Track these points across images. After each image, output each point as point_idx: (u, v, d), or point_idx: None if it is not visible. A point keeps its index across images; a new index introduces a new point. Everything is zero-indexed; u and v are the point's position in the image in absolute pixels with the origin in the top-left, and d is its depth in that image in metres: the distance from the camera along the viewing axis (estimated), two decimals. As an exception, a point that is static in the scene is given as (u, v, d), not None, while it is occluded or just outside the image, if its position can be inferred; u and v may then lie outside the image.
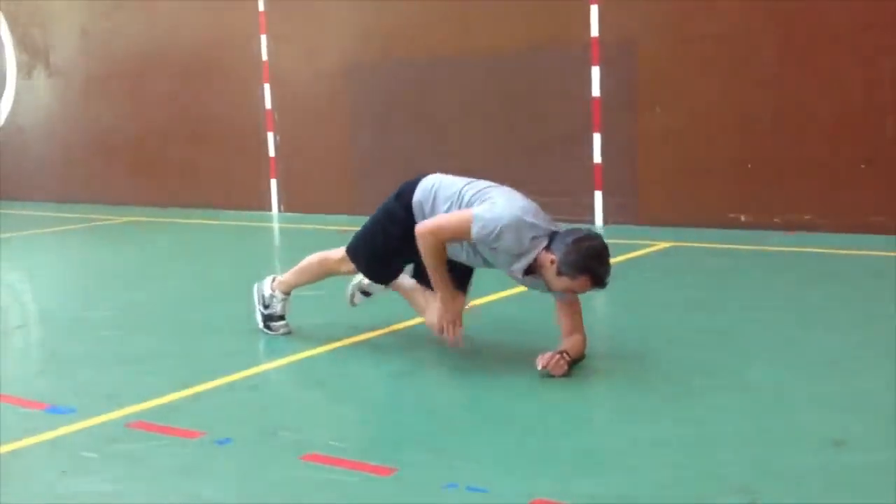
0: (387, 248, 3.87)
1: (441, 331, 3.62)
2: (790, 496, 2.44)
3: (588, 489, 2.53)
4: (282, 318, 4.23)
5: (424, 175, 3.86)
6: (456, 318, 3.62)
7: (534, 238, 3.45)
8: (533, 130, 7.57)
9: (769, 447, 2.77)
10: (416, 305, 3.89)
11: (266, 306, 4.23)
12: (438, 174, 3.85)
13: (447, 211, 3.65)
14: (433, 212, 3.71)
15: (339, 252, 4.04)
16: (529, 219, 3.47)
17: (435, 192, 3.73)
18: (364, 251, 3.94)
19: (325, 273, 4.17)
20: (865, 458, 2.66)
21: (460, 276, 3.94)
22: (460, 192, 3.67)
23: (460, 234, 3.50)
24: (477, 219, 3.45)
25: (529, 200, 3.64)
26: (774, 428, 2.92)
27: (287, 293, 4.22)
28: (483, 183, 3.74)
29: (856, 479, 2.53)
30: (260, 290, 4.26)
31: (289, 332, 4.22)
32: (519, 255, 3.47)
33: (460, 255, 3.73)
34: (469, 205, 3.60)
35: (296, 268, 4.21)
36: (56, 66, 10.38)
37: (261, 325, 4.25)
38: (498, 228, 3.42)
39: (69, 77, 10.31)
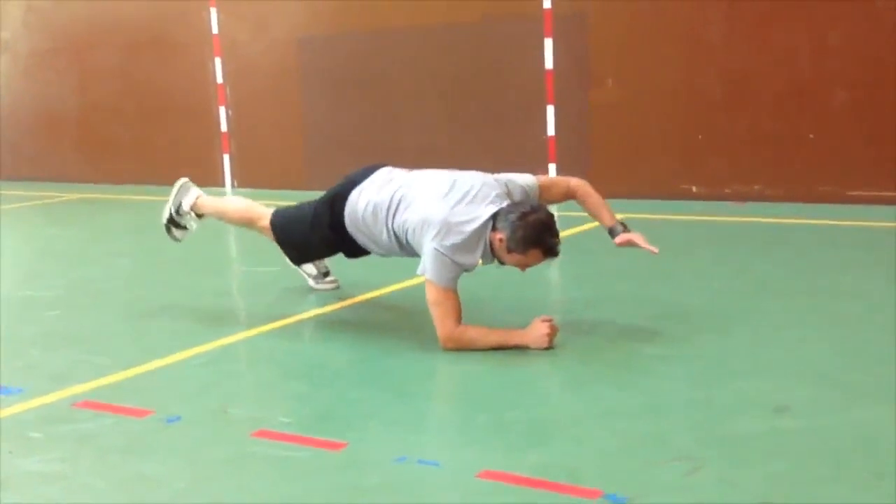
0: (308, 235, 3.90)
1: (550, 339, 3.45)
2: (734, 462, 2.48)
3: (536, 460, 2.55)
4: (185, 229, 4.36)
5: (374, 168, 3.84)
6: (549, 332, 3.43)
7: (474, 231, 3.41)
8: (487, 103, 7.55)
9: (713, 414, 2.81)
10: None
11: (177, 213, 4.35)
12: (382, 170, 3.82)
13: (376, 217, 3.63)
14: (361, 210, 3.69)
15: (265, 219, 4.05)
16: (459, 216, 3.41)
17: (367, 200, 3.69)
18: (285, 229, 3.97)
19: (243, 225, 4.25)
20: (808, 424, 2.71)
21: (317, 249, 4.03)
22: (390, 201, 3.61)
23: (451, 305, 3.42)
24: (437, 276, 3.40)
25: (450, 185, 3.54)
26: (719, 395, 2.97)
27: (200, 216, 4.35)
28: (405, 189, 3.63)
29: (798, 445, 2.58)
30: (181, 194, 4.36)
31: (181, 240, 4.41)
32: (474, 250, 3.45)
33: (375, 244, 3.73)
34: (401, 226, 3.55)
35: (219, 205, 4.33)
36: (1, 41, 10.15)
37: (164, 220, 4.38)
38: (453, 250, 3.39)
39: (14, 52, 10.09)
